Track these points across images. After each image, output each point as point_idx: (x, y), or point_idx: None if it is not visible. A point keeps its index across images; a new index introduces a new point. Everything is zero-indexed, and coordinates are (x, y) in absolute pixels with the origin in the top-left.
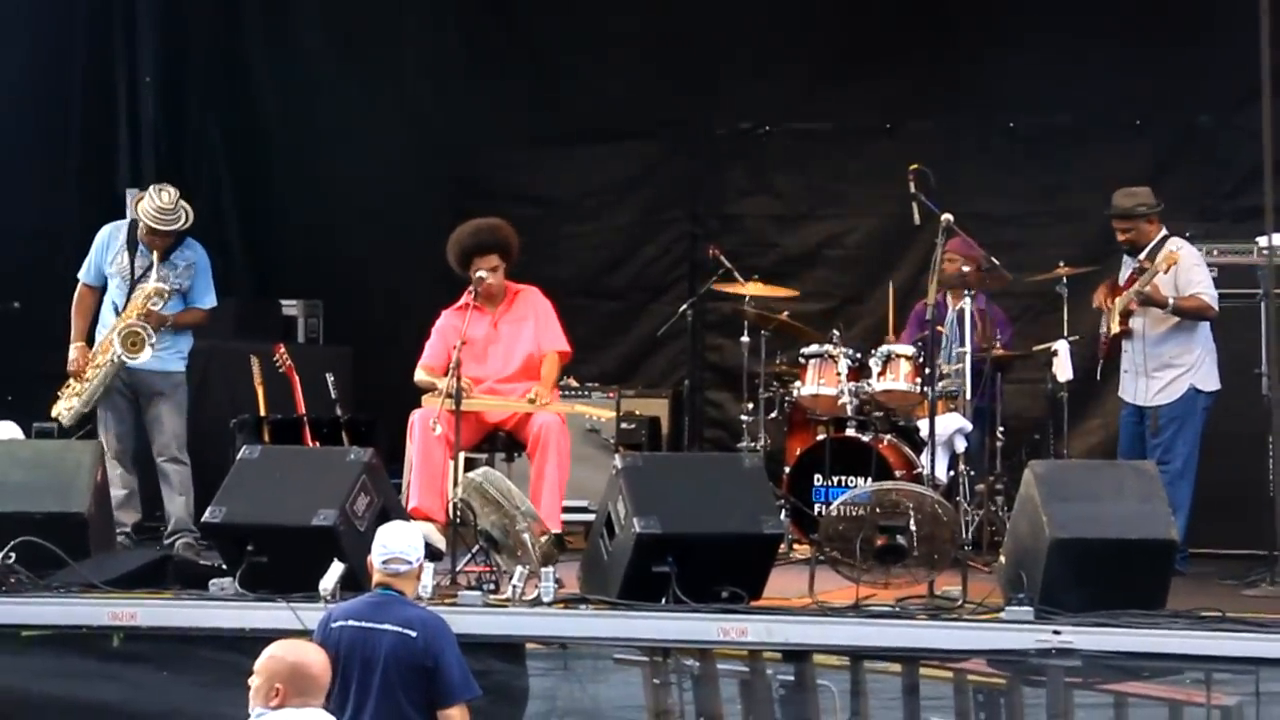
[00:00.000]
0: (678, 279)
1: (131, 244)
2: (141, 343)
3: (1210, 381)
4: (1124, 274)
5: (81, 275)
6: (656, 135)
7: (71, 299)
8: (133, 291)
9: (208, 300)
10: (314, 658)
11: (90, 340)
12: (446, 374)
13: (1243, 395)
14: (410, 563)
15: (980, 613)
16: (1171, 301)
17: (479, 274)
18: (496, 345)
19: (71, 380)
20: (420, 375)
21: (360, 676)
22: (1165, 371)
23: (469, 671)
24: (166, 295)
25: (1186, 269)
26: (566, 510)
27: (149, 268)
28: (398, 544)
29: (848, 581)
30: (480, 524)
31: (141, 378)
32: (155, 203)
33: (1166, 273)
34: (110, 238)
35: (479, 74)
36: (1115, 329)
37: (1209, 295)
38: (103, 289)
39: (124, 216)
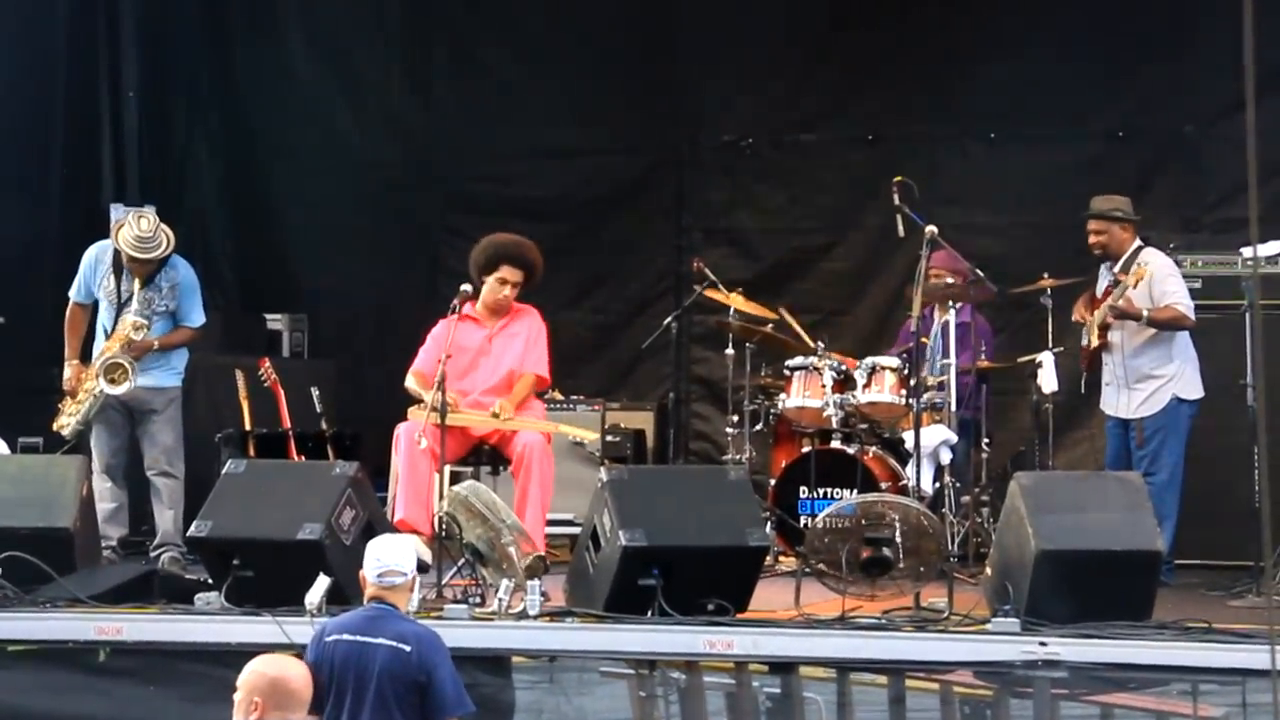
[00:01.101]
0: (663, 292)
1: (117, 267)
2: (124, 375)
3: (1193, 390)
4: (1101, 286)
5: (72, 294)
6: (640, 149)
7: (56, 314)
8: (119, 315)
9: (195, 319)
10: (294, 672)
11: (86, 357)
12: (433, 385)
13: (1228, 407)
14: (405, 574)
15: (966, 624)
16: (1146, 314)
17: (496, 279)
18: (487, 358)
19: (68, 398)
20: (410, 382)
21: (354, 691)
22: (1146, 383)
23: (463, 687)
24: (147, 326)
25: (1160, 280)
26: (552, 524)
27: (133, 293)
28: (392, 557)
29: (834, 594)
30: (466, 537)
31: (135, 394)
32: (134, 231)
33: (1135, 287)
34: (97, 260)
35: (464, 88)
36: (1094, 342)
37: (1184, 305)
38: (94, 306)
39: (108, 232)
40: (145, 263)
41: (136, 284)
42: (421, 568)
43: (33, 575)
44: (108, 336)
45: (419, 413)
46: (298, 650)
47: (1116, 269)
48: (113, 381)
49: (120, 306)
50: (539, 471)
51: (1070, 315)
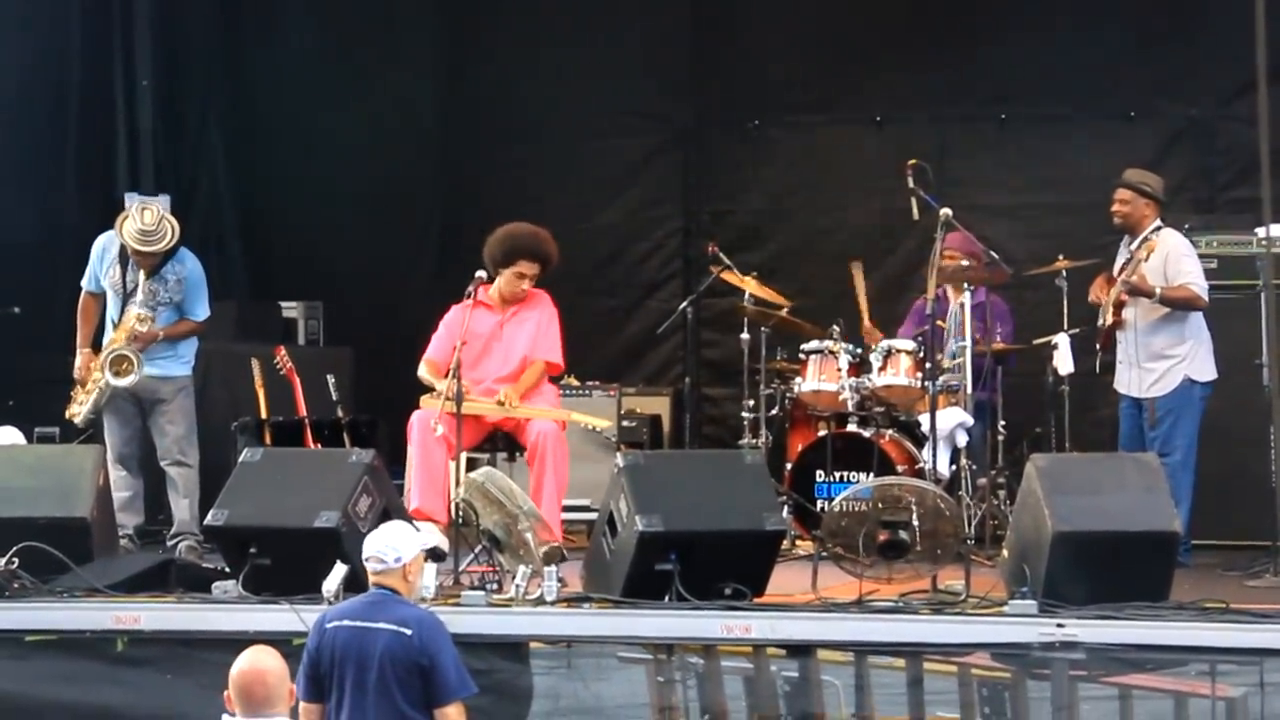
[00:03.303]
0: (671, 275)
1: (123, 258)
2: (130, 367)
3: (1205, 372)
4: (1118, 264)
5: (84, 283)
6: (647, 131)
7: (71, 304)
8: (125, 306)
9: (200, 313)
10: (268, 665)
11: (97, 346)
12: (447, 374)
13: (1243, 387)
14: (385, 561)
15: (984, 607)
16: (1159, 291)
17: (513, 273)
18: (499, 344)
19: (79, 387)
20: (422, 371)
21: (355, 676)
22: (1159, 363)
23: (465, 670)
24: (152, 319)
25: (1176, 259)
26: (569, 509)
27: (138, 284)
28: (375, 544)
29: (851, 577)
30: (482, 524)
31: (144, 384)
32: (137, 224)
33: (1147, 259)
34: (104, 250)
35: (470, 73)
36: (1109, 320)
37: (1198, 286)
38: (104, 295)
39: None
40: (149, 255)
41: (142, 275)
42: (438, 556)
43: (50, 565)
44: (115, 327)
45: (431, 401)
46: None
47: (1134, 246)
48: (118, 374)
49: (126, 297)
50: (554, 459)
51: (1086, 296)
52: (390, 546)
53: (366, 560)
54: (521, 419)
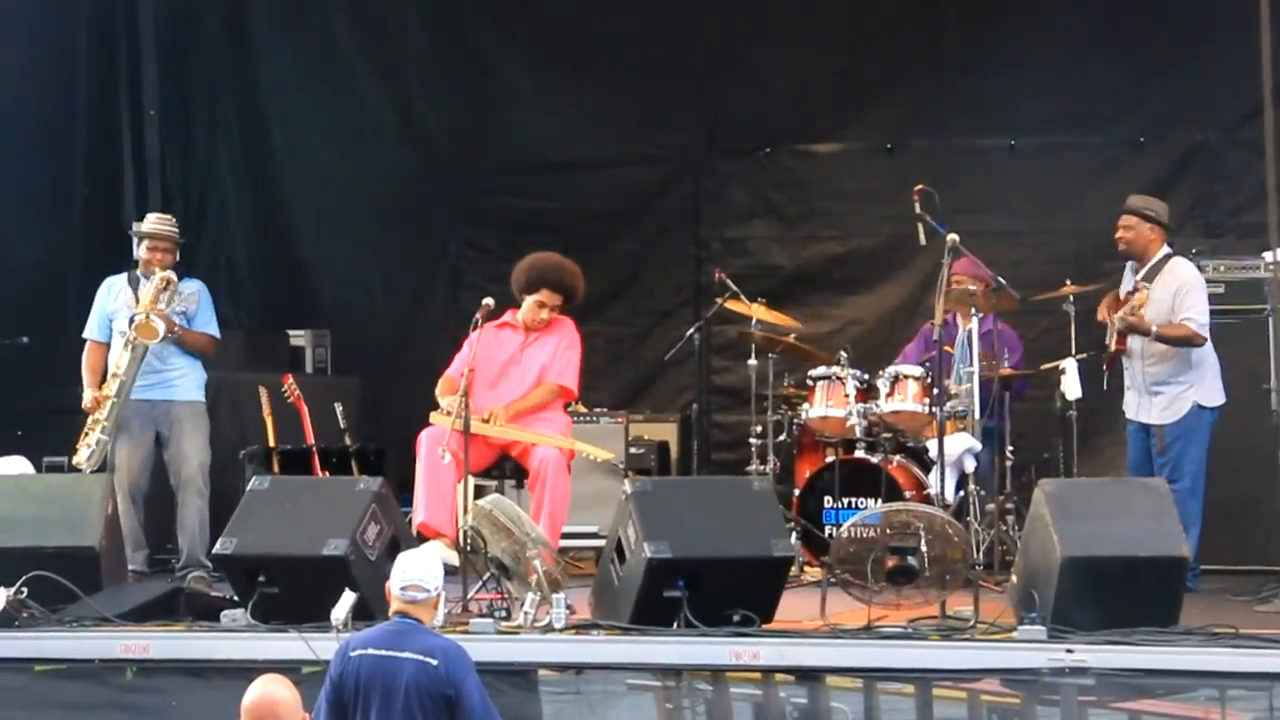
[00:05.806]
0: (682, 303)
1: (134, 282)
2: (155, 331)
3: (1214, 397)
4: (1125, 286)
5: (86, 333)
6: (658, 159)
7: (79, 334)
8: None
9: (211, 328)
10: (279, 695)
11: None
12: (457, 394)
13: (1252, 411)
14: (428, 590)
15: (993, 632)
16: (1155, 330)
17: (535, 301)
18: (517, 367)
19: (88, 423)
20: (440, 389)
21: (380, 705)
22: (1166, 389)
23: (489, 700)
24: (174, 284)
25: (1184, 293)
26: (577, 536)
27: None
28: (416, 572)
29: (859, 603)
30: (491, 551)
31: (162, 408)
32: (150, 218)
33: (1137, 310)
34: (110, 286)
35: (483, 102)
36: (1114, 347)
37: (1196, 324)
38: (108, 344)
39: (130, 250)
40: (164, 243)
41: (156, 281)
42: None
43: (59, 594)
44: (125, 345)
45: (440, 418)
46: (323, 665)
47: (1140, 276)
48: (143, 335)
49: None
50: (553, 485)
51: (1094, 321)
52: (432, 575)
53: (404, 589)
54: (528, 444)
